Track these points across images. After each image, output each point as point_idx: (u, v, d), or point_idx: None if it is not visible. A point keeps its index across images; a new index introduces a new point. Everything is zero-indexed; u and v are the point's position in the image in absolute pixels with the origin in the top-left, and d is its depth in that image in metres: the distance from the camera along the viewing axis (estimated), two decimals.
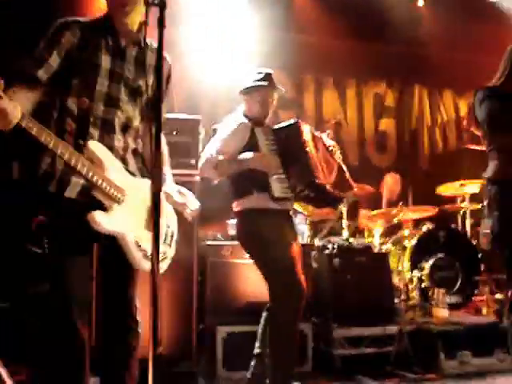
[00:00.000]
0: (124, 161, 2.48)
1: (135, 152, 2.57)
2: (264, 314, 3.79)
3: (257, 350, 3.76)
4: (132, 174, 2.51)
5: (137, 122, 2.55)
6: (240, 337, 4.18)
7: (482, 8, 7.31)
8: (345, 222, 5.34)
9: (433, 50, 7.43)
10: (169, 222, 2.63)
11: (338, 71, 7.42)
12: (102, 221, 2.27)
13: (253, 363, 3.74)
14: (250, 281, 4.33)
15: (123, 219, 2.38)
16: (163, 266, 2.57)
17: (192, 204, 2.71)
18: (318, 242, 5.13)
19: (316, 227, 5.47)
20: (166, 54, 2.26)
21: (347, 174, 3.91)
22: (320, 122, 7.19)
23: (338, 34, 6.94)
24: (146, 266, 2.39)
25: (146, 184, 2.43)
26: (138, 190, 2.45)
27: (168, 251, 2.61)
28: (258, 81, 3.75)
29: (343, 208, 5.23)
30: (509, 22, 7.40)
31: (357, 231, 5.86)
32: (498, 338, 4.41)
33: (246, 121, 3.68)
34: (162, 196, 2.48)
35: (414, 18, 7.46)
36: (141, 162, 2.59)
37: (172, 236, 2.64)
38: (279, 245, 3.54)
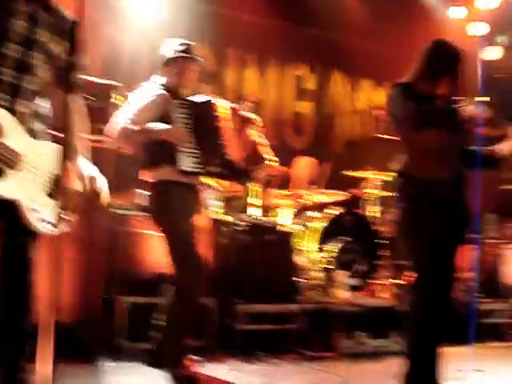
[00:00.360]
0: (30, 126, 2.40)
1: (42, 117, 2.49)
2: (164, 286, 3.78)
3: (157, 322, 3.74)
4: (37, 138, 2.42)
5: (49, 87, 2.47)
6: (145, 308, 4.14)
7: (408, 2, 7.49)
8: (256, 200, 5.38)
9: (356, 39, 7.56)
10: (74, 186, 2.56)
11: (261, 50, 7.40)
12: None
13: (154, 334, 3.73)
14: (158, 252, 4.30)
15: (18, 184, 2.30)
16: (63, 228, 2.50)
17: (102, 188, 2.65)
18: (228, 218, 5.14)
19: (227, 203, 5.48)
20: (78, 17, 2.20)
21: (263, 149, 3.94)
22: (240, 99, 7.18)
23: (263, 13, 6.93)
24: (43, 230, 2.36)
25: (51, 149, 2.39)
26: (41, 154, 2.39)
27: (70, 216, 2.54)
28: (179, 52, 3.70)
29: (255, 186, 5.28)
30: (433, 18, 7.62)
31: (267, 210, 5.91)
32: (395, 321, 4.59)
33: (163, 92, 3.63)
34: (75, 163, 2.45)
35: (340, 5, 7.57)
36: (51, 127, 2.52)
37: (74, 200, 2.57)
38: (182, 218, 3.55)
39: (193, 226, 3.58)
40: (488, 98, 3.59)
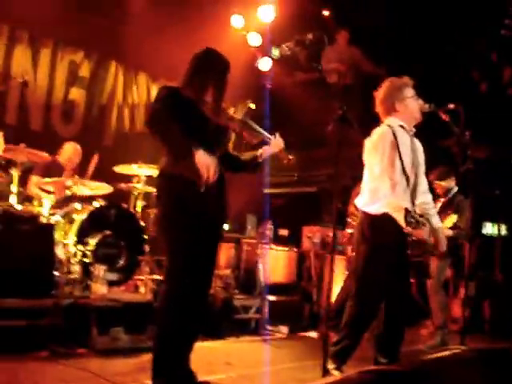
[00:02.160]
0: None
1: None
2: None
3: None
4: None
5: None
6: None
7: (195, 4, 7.60)
8: (14, 188, 5.04)
9: (137, 31, 7.48)
10: None
11: (35, 28, 7.00)
12: None
13: None
14: None
15: None
16: None
17: None
18: None
19: None
20: None
21: None
22: (6, 78, 6.72)
23: None
24: None
25: None
26: None
27: None
28: None
29: (14, 172, 4.95)
30: (216, 24, 7.77)
31: (27, 199, 5.57)
32: (151, 316, 4.59)
33: None
34: None
35: None
36: None
37: None
38: None
39: None
40: (254, 106, 3.80)
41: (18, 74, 6.61)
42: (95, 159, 6.13)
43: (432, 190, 4.41)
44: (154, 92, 8.24)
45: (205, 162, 3.13)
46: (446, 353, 2.91)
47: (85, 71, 7.67)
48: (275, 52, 8.12)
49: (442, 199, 5.80)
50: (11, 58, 6.89)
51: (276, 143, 3.71)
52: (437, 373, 2.53)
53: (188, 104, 3.29)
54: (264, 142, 3.75)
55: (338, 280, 6.58)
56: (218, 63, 3.49)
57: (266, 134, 3.74)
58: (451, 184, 5.88)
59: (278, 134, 3.73)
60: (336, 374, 3.69)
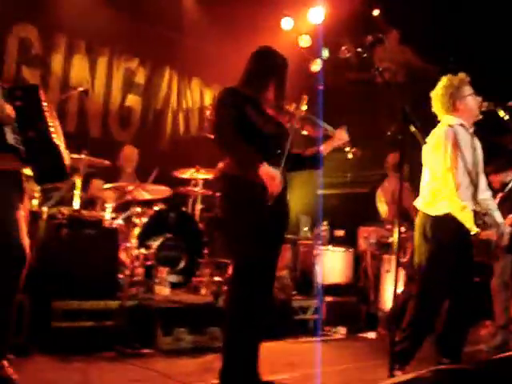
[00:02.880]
0: None
1: None
2: None
3: None
4: None
5: None
6: None
7: (245, 9, 7.66)
8: (77, 193, 5.20)
9: (189, 38, 7.63)
10: None
11: (92, 38, 7.20)
12: None
13: None
14: None
15: None
16: None
17: None
18: (46, 211, 4.90)
19: (45, 195, 5.23)
20: None
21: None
22: (65, 87, 6.91)
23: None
24: None
25: None
26: None
27: None
28: None
29: (77, 178, 5.10)
30: (267, 27, 7.84)
31: (89, 203, 5.73)
32: (213, 317, 4.68)
33: None
34: None
35: (177, 4, 7.59)
36: None
37: None
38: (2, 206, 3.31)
39: (15, 215, 3.32)
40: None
41: (77, 83, 6.81)
42: (156, 173, 6.20)
43: (489, 184, 4.35)
44: (208, 96, 8.37)
45: (270, 175, 3.16)
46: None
47: (140, 78, 7.82)
48: (325, 53, 8.14)
49: (500, 194, 5.69)
50: (70, 68, 7.09)
51: (340, 136, 3.66)
52: (504, 372, 2.52)
53: (250, 103, 3.33)
54: (326, 137, 3.70)
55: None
56: (277, 60, 3.51)
57: (328, 127, 3.68)
58: (508, 177, 5.75)
59: (344, 127, 3.67)
60: (399, 375, 3.68)
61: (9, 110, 3.25)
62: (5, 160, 3.29)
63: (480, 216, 3.79)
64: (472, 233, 3.75)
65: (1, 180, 3.31)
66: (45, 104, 3.41)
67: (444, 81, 4.08)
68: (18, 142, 3.27)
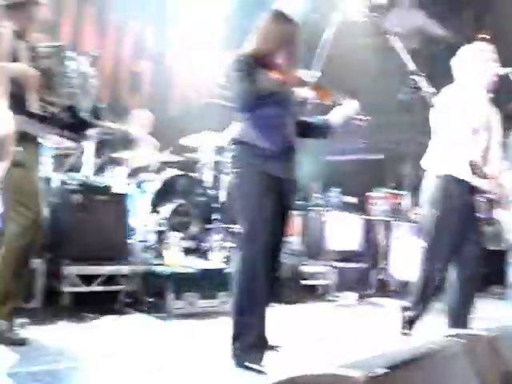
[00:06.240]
0: None
1: None
2: None
3: None
4: None
5: None
6: None
7: None
8: (88, 159, 5.21)
9: None
10: None
11: (100, 3, 7.13)
12: None
13: None
14: None
15: None
16: None
17: None
18: (58, 177, 4.92)
19: (58, 161, 5.24)
20: None
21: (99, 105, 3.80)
22: (77, 52, 6.85)
23: None
24: None
25: None
26: None
27: None
28: None
29: (89, 143, 5.11)
30: None
31: (99, 170, 5.74)
32: (223, 283, 4.71)
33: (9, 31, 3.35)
34: None
35: None
36: None
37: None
38: (26, 170, 3.36)
39: (36, 180, 3.44)
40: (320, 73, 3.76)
41: (88, 48, 6.76)
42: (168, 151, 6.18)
43: None
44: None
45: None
46: None
47: (149, 42, 7.76)
48: (337, 17, 8.00)
49: None
50: (81, 32, 7.05)
51: (351, 104, 3.64)
52: None
53: (262, 69, 3.30)
54: (337, 105, 3.67)
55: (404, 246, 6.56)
56: (289, 25, 3.47)
57: (339, 95, 3.65)
58: None
59: (353, 99, 3.65)
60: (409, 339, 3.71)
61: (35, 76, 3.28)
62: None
63: (478, 166, 3.69)
64: (473, 183, 3.68)
65: (29, 145, 3.34)
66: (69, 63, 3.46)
67: (464, 48, 4.01)
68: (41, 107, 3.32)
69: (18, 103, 3.17)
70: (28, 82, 3.30)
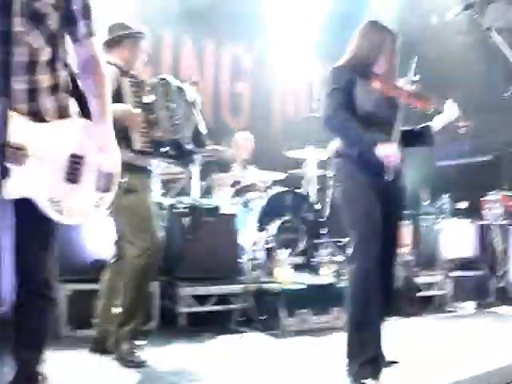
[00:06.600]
0: (33, 105, 2.17)
1: (53, 89, 2.24)
2: (109, 270, 3.73)
3: (101, 307, 3.70)
4: (43, 120, 2.19)
5: (46, 54, 2.19)
6: (85, 295, 4.09)
7: None
8: (195, 182, 5.34)
9: None
10: (105, 161, 2.37)
11: (196, 30, 7.33)
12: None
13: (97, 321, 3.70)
14: (97, 238, 4.25)
15: (30, 178, 2.11)
16: (102, 213, 2.38)
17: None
18: (167, 201, 5.09)
19: (166, 186, 5.43)
20: None
21: (203, 131, 3.89)
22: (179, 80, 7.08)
23: None
24: (67, 220, 2.24)
25: (67, 125, 2.25)
26: (52, 137, 2.18)
27: (106, 196, 2.38)
28: (128, 31, 3.68)
29: (195, 167, 5.24)
30: None
31: (207, 191, 5.88)
32: (335, 298, 4.66)
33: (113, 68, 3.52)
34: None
35: None
36: (65, 98, 2.30)
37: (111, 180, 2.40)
38: (139, 195, 3.52)
39: (150, 209, 3.62)
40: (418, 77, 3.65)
41: (187, 75, 6.96)
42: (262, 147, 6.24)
43: None
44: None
45: (387, 153, 3.12)
46: None
47: (247, 64, 7.88)
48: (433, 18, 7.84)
49: None
50: (179, 61, 7.27)
51: (450, 110, 3.52)
52: None
53: (358, 81, 3.26)
54: (436, 112, 3.57)
55: None
56: (385, 33, 3.41)
57: (438, 101, 3.54)
58: None
59: (450, 100, 3.54)
60: None
61: (138, 114, 3.44)
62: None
63: None
64: None
65: (136, 174, 3.48)
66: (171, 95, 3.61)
67: None
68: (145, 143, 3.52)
69: (123, 141, 3.28)
70: (131, 121, 3.44)
